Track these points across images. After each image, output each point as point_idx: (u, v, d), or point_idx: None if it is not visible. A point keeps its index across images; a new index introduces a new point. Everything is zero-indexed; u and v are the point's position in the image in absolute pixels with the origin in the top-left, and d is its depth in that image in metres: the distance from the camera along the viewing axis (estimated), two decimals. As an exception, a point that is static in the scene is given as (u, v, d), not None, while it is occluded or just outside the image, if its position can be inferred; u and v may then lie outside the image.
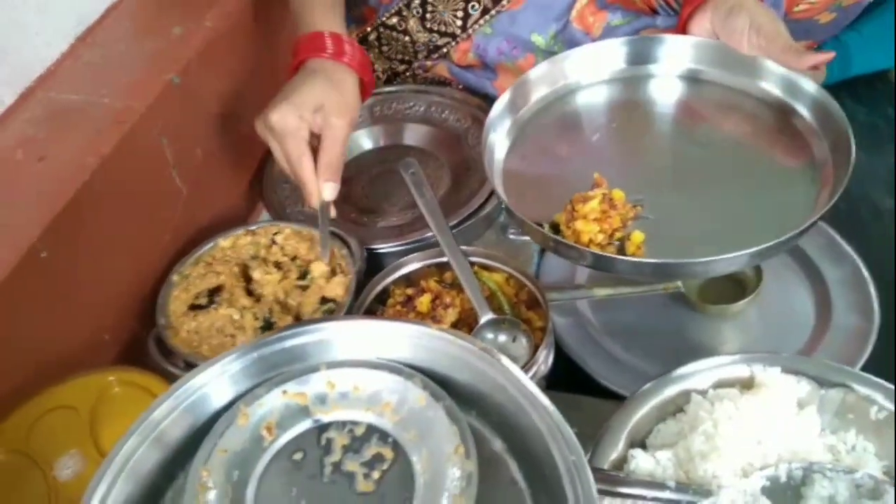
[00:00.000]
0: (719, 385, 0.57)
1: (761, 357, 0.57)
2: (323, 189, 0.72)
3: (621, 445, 0.54)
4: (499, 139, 0.77)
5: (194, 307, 0.67)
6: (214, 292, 0.68)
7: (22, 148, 0.65)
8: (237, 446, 0.47)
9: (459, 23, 0.93)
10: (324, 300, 0.70)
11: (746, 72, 0.76)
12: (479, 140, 0.89)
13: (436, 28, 0.94)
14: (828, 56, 0.71)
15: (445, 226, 0.72)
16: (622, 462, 0.54)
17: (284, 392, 0.49)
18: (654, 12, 0.93)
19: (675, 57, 0.80)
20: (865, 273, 0.75)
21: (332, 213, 0.75)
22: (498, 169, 0.75)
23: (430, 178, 0.81)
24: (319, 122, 0.72)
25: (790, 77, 0.73)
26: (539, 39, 0.92)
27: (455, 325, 0.70)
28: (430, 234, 0.75)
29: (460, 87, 0.99)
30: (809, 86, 0.72)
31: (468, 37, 0.94)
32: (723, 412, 0.54)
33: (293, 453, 0.48)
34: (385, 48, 0.99)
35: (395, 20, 0.96)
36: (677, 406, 0.57)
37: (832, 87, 1.19)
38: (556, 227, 0.66)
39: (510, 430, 0.48)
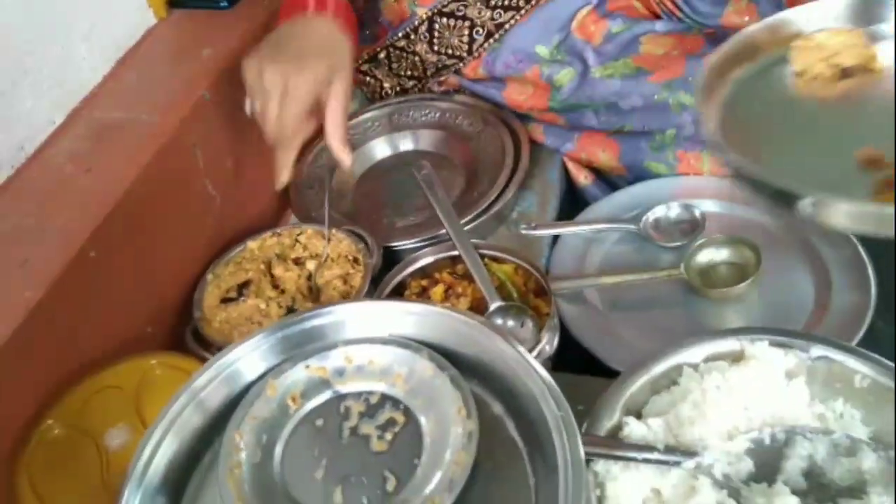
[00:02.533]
0: (710, 359, 0.60)
1: (750, 331, 0.60)
2: (346, 158, 0.77)
3: (617, 415, 0.58)
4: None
5: (225, 300, 0.74)
6: (243, 286, 0.75)
7: (71, 162, 0.73)
8: (266, 414, 0.53)
9: (466, 47, 0.97)
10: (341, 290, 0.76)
11: None
12: (490, 142, 0.94)
13: (443, 51, 0.99)
14: None
15: (456, 221, 0.77)
16: (617, 430, 0.57)
17: (307, 367, 0.55)
18: (657, 17, 0.97)
19: None
20: (864, 254, 0.77)
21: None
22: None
23: (444, 180, 0.86)
24: (325, 89, 0.75)
25: None
26: (543, 50, 0.97)
27: (467, 313, 0.75)
28: (443, 230, 0.80)
29: (467, 92, 1.04)
30: None
31: (475, 58, 0.98)
32: (711, 382, 0.57)
33: (315, 420, 0.53)
34: (395, 65, 1.04)
35: (403, 42, 1.00)
36: (671, 380, 0.60)
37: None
38: None
39: (509, 395, 0.53)
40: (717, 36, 0.92)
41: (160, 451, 0.50)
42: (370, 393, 0.54)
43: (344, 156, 0.77)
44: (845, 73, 0.67)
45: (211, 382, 0.53)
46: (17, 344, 0.58)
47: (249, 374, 0.55)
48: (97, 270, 0.66)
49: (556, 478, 0.45)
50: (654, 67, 0.89)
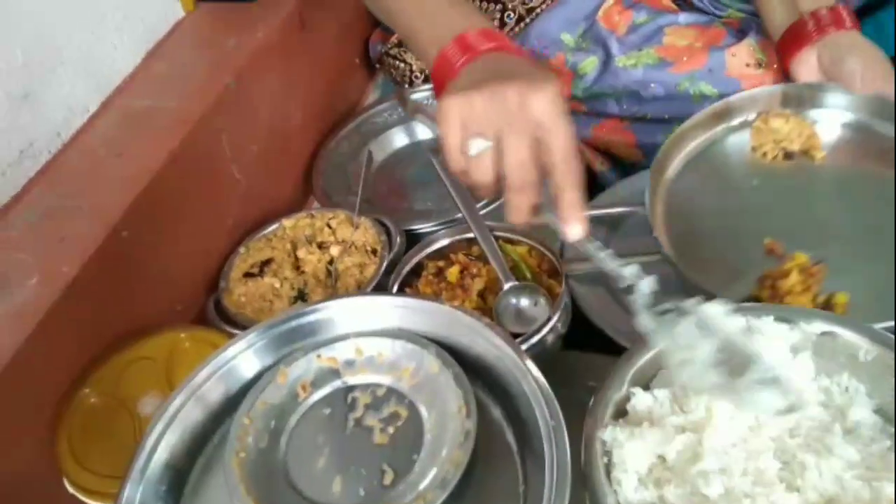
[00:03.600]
0: (716, 334, 0.62)
1: (754, 307, 0.62)
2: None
3: (625, 387, 0.60)
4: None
5: (248, 275, 0.78)
6: (266, 264, 0.78)
7: (104, 146, 0.76)
8: (276, 400, 0.54)
9: None
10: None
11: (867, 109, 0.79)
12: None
13: None
14: None
15: (471, 203, 0.79)
16: (625, 401, 0.59)
17: (318, 356, 0.56)
18: (681, 9, 0.98)
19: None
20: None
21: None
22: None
23: (463, 165, 0.88)
24: None
25: None
26: (568, 38, 0.98)
27: (481, 293, 0.77)
28: (459, 214, 0.82)
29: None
30: None
31: None
32: (717, 355, 0.59)
33: (323, 409, 0.55)
34: None
35: None
36: (679, 354, 0.62)
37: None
38: None
39: (508, 399, 0.54)
40: (740, 27, 0.93)
41: (162, 443, 0.51)
42: (377, 385, 0.55)
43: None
44: (787, 155, 0.79)
45: (209, 379, 0.55)
46: (55, 315, 0.61)
47: (247, 370, 0.57)
48: (129, 249, 0.69)
49: (543, 486, 0.46)
50: (677, 58, 0.91)
